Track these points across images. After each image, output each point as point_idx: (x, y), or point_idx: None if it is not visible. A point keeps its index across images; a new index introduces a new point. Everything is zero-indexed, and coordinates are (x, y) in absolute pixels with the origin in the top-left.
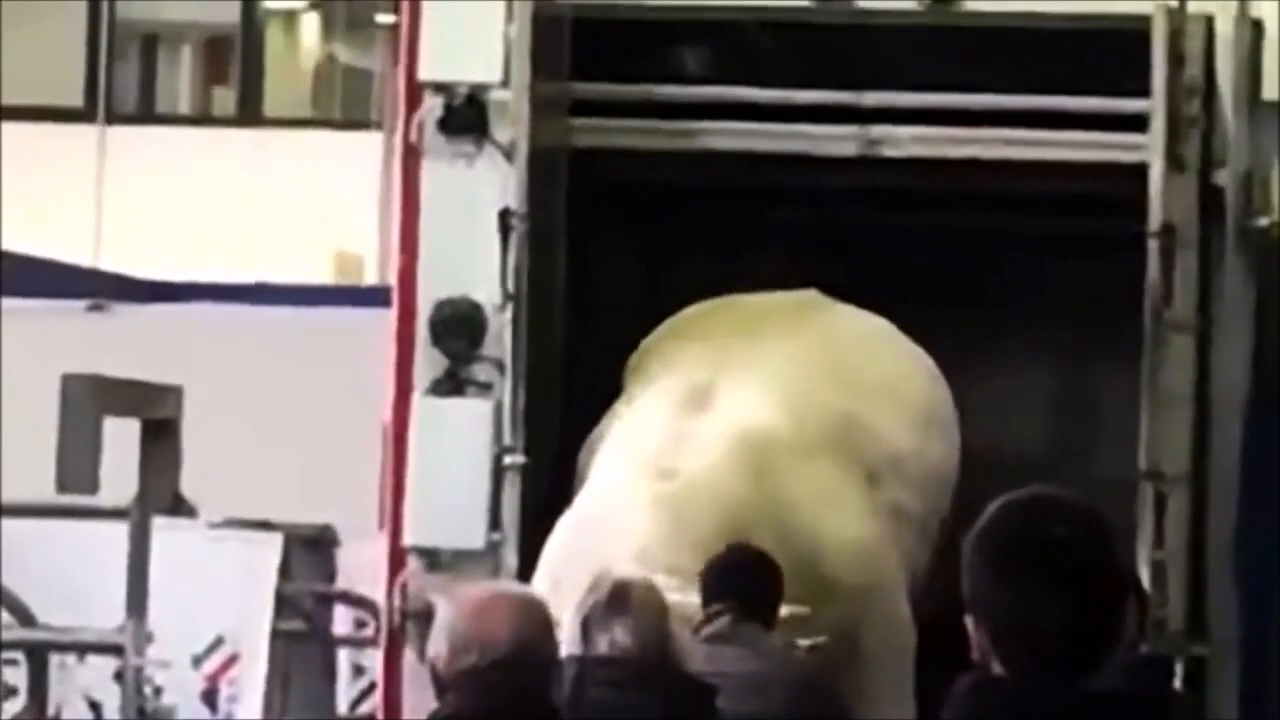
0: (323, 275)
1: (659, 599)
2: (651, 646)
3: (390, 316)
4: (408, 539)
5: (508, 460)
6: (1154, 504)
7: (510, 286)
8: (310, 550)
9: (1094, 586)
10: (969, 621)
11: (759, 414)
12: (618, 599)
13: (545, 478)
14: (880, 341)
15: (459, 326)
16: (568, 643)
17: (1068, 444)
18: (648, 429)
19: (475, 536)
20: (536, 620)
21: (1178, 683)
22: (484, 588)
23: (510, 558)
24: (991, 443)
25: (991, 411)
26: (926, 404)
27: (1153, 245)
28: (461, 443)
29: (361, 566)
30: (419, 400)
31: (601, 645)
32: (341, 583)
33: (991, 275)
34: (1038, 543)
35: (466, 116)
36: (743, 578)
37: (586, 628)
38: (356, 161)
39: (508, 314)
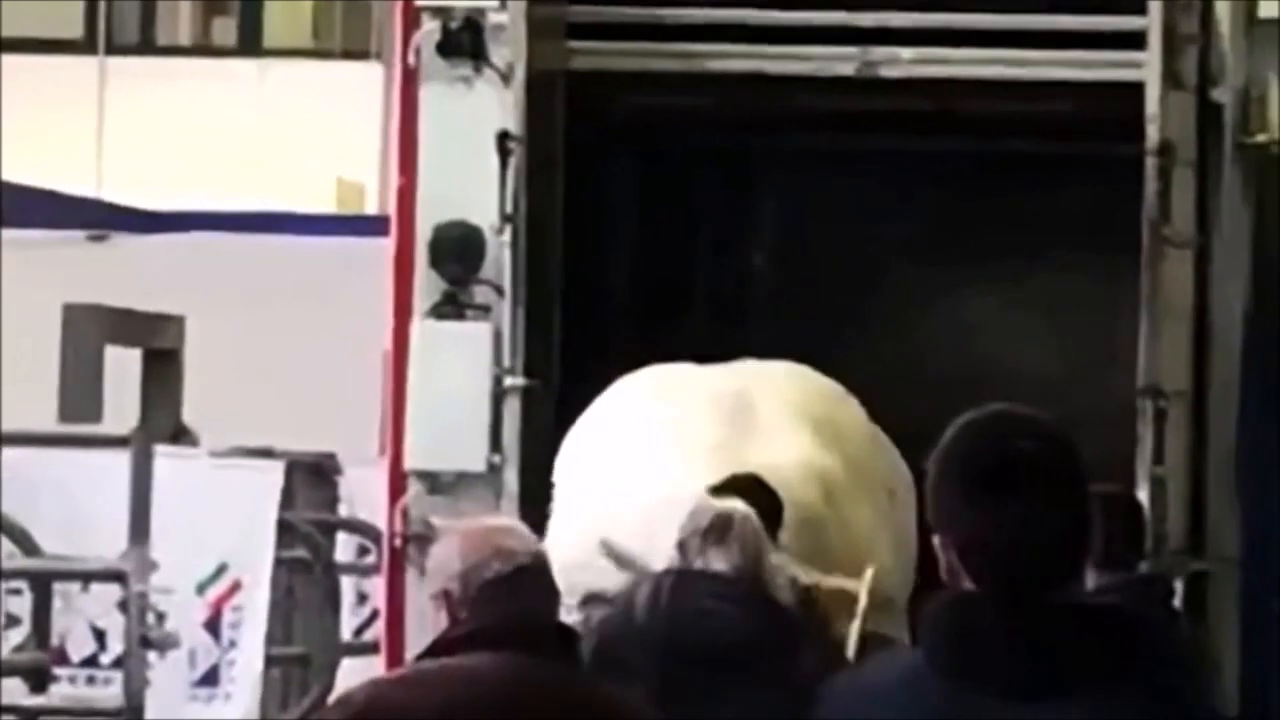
0: (324, 205)
1: (757, 529)
2: (747, 572)
3: (390, 242)
4: (409, 462)
5: (507, 382)
6: (1153, 420)
7: (508, 209)
8: (312, 478)
9: (1058, 499)
10: (936, 541)
11: (808, 443)
12: (717, 529)
13: (544, 399)
14: (834, 394)
15: (458, 250)
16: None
17: (1068, 366)
18: (694, 442)
19: (476, 459)
20: (536, 540)
21: (1177, 602)
22: (478, 518)
23: (511, 479)
24: (993, 365)
25: (992, 334)
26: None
27: (1151, 162)
28: (461, 365)
29: (364, 494)
30: (418, 324)
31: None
32: (344, 510)
33: (990, 198)
34: (1001, 457)
35: (464, 40)
36: (742, 498)
37: (683, 552)
38: (356, 91)
39: (506, 236)
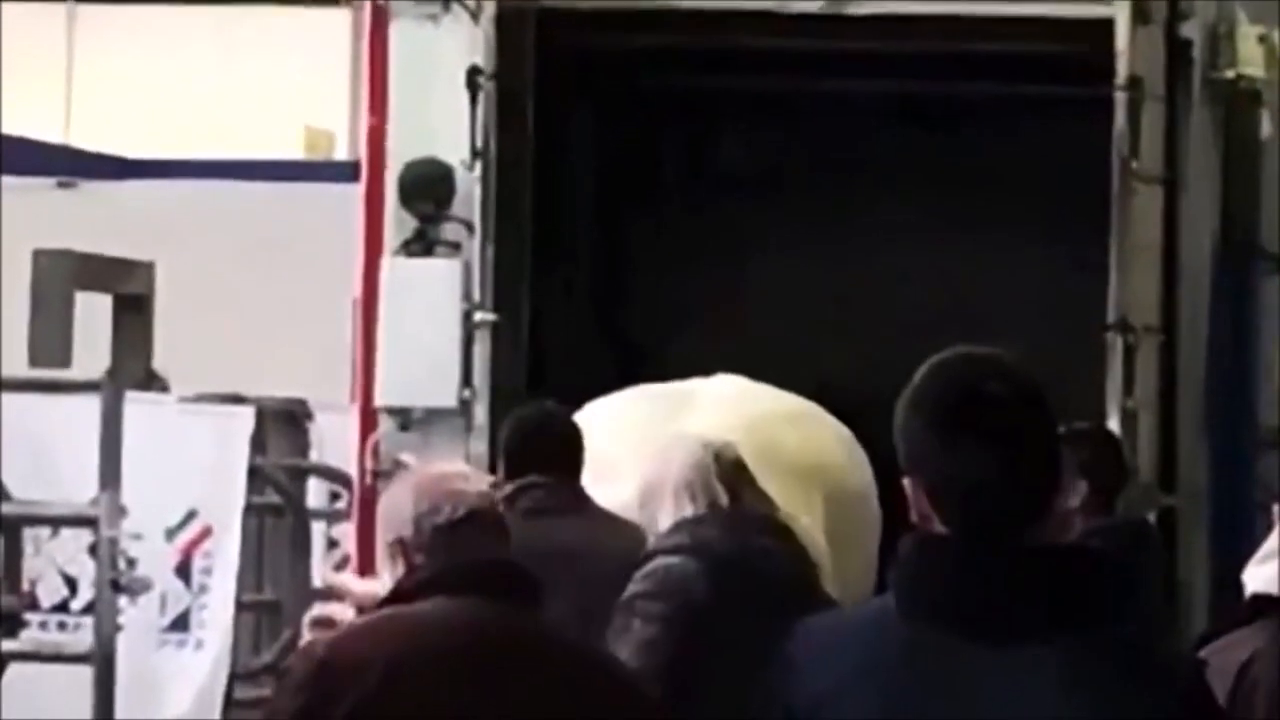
0: (292, 151)
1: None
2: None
3: (360, 180)
4: (379, 399)
5: (477, 317)
6: (1123, 355)
7: (478, 145)
8: (283, 424)
9: (1026, 439)
10: (906, 483)
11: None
12: (739, 467)
13: (514, 334)
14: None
15: (427, 187)
16: None
17: (1037, 304)
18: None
19: (447, 395)
20: (488, 483)
21: (1153, 544)
22: (427, 465)
23: (481, 414)
24: (961, 304)
25: (961, 274)
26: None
27: (1120, 97)
28: (431, 302)
29: (334, 439)
30: (388, 261)
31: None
32: (314, 456)
33: (958, 137)
34: (969, 398)
35: None
36: (550, 446)
37: (708, 494)
38: (324, 38)
39: (476, 172)
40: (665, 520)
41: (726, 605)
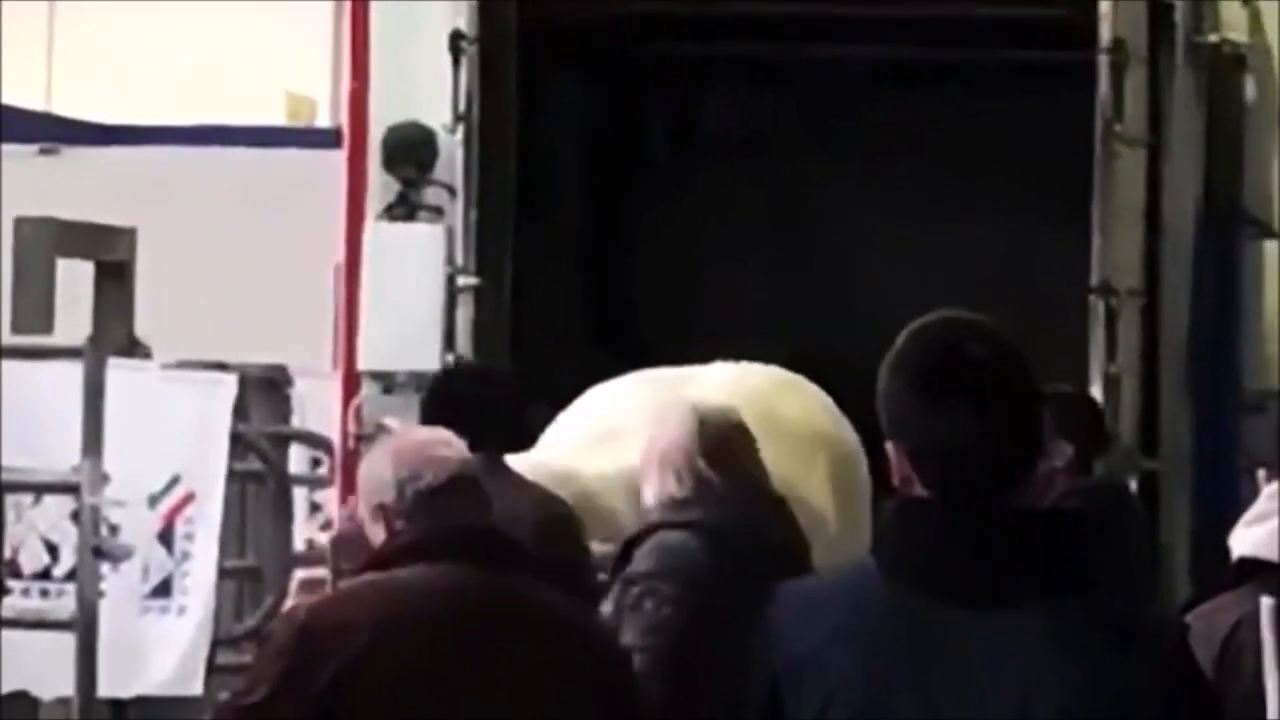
0: (275, 117)
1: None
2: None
3: (343, 144)
4: (363, 364)
5: (460, 281)
6: (1106, 319)
7: (461, 109)
8: (265, 390)
9: (1006, 402)
10: (889, 447)
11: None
12: (733, 438)
13: (498, 298)
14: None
15: (410, 151)
16: None
17: (1023, 269)
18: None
19: (430, 358)
20: (468, 449)
21: (1133, 506)
22: (409, 431)
23: None
24: (947, 267)
25: (950, 238)
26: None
27: (1103, 61)
28: (414, 266)
29: (316, 406)
30: (371, 225)
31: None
32: (296, 423)
33: (944, 105)
34: (950, 362)
35: None
36: (471, 406)
37: (691, 468)
38: (307, 3)
39: (458, 136)
40: (649, 490)
41: (727, 579)
